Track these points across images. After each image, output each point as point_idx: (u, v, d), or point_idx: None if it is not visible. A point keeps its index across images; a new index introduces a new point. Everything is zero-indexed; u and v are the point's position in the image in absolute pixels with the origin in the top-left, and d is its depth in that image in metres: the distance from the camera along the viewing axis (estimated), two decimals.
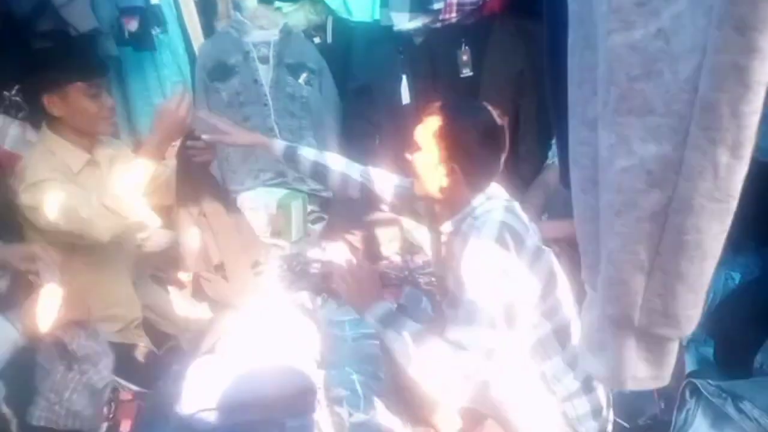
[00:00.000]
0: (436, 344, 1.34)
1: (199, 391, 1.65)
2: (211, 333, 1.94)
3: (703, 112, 0.45)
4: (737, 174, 0.46)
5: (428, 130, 1.47)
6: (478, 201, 1.47)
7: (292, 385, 1.73)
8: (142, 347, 1.98)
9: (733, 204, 0.47)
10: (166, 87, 2.59)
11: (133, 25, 2.07)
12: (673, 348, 0.59)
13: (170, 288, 2.24)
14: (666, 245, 0.50)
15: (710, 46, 0.43)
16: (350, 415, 1.83)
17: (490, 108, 1.51)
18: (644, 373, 0.58)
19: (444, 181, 1.46)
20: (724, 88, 0.44)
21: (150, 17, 2.08)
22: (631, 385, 0.59)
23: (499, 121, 1.50)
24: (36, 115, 1.96)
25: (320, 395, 1.82)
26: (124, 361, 1.77)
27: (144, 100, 2.58)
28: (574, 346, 1.40)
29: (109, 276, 1.99)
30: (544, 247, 1.50)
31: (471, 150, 1.44)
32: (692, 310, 0.53)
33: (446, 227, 1.53)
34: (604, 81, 0.51)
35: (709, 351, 1.70)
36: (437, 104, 1.49)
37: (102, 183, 2.01)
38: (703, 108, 0.45)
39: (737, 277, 1.87)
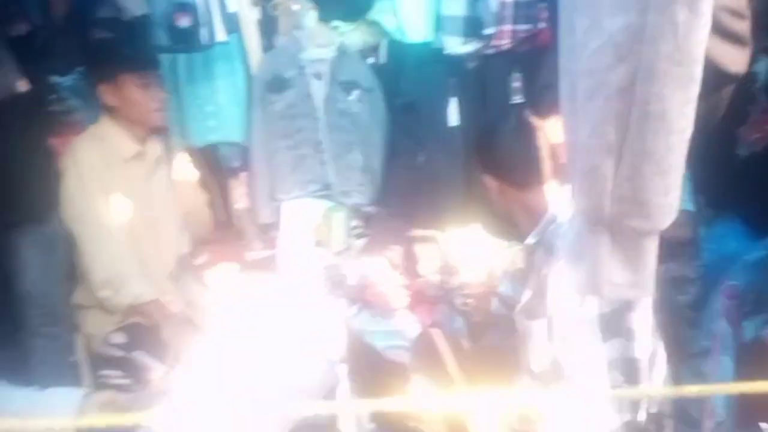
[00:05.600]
0: None
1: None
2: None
3: None
4: (696, 33, 0.45)
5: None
6: (557, 206, 1.44)
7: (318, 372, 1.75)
8: None
9: (696, 69, 0.45)
10: (219, 97, 2.71)
11: (184, 21, 2.06)
12: (649, 249, 0.55)
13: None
14: (633, 121, 0.48)
15: None
16: None
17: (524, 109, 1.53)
18: (620, 279, 0.55)
19: (503, 196, 1.48)
20: None
21: (202, 18, 2.14)
22: (609, 292, 0.56)
23: (532, 121, 1.50)
24: (93, 103, 2.10)
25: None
26: None
27: (196, 108, 2.70)
28: None
29: None
30: None
31: (509, 154, 1.46)
32: (663, 197, 0.51)
33: (529, 240, 1.50)
34: None
35: None
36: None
37: (145, 179, 2.13)
38: None
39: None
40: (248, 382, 1.72)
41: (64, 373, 2.00)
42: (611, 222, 0.54)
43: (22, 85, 1.20)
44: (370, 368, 1.95)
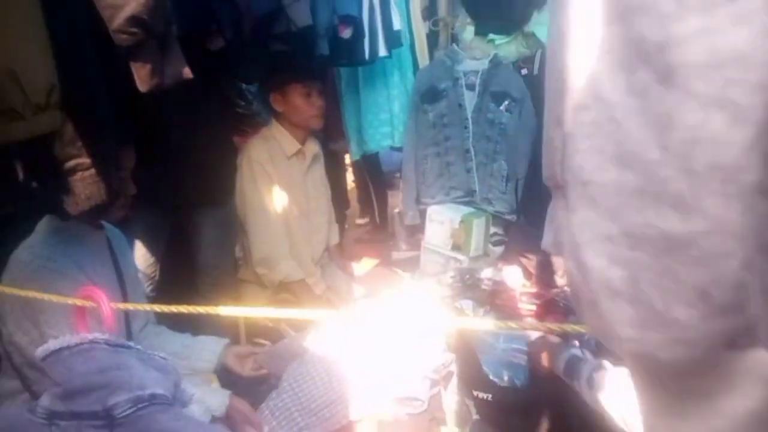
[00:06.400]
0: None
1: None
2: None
3: None
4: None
5: None
6: None
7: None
8: None
9: None
10: (394, 105, 2.94)
11: (347, 33, 2.24)
12: None
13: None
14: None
15: None
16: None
17: None
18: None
19: None
20: None
21: (362, 30, 2.33)
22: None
23: None
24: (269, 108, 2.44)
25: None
26: None
27: (373, 115, 2.97)
28: None
29: None
30: None
31: None
32: None
33: None
34: None
35: None
36: None
37: (302, 174, 2.42)
38: None
39: None
40: (372, 361, 1.88)
41: (224, 336, 2.33)
42: (564, 190, 0.58)
43: (187, 73, 1.42)
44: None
